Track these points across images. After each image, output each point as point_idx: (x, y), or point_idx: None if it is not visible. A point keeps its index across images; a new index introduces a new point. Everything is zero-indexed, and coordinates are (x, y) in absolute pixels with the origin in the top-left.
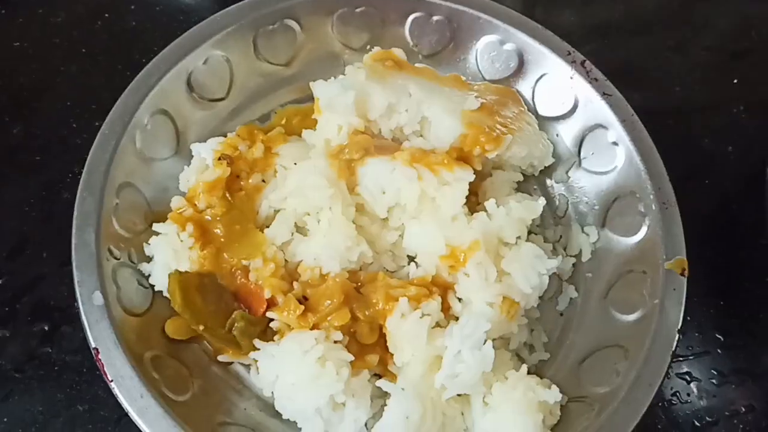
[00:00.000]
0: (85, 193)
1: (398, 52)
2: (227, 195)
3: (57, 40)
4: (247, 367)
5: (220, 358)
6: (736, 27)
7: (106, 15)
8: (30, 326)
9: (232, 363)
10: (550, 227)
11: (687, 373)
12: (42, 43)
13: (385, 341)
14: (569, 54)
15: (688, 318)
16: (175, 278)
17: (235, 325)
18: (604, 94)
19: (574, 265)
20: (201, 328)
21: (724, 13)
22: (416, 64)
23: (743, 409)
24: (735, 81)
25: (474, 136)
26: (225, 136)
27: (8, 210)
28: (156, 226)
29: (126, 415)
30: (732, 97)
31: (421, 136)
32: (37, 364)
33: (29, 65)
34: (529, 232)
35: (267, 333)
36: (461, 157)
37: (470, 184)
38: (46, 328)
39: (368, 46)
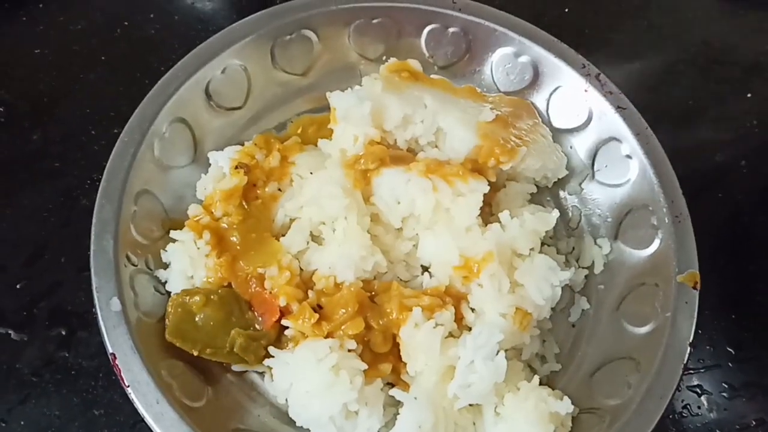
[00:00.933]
0: (104, 200)
1: (414, 64)
2: (244, 203)
3: (76, 48)
4: (262, 374)
5: (234, 367)
6: (750, 41)
7: (125, 23)
8: (47, 331)
9: (246, 371)
10: (563, 239)
11: (698, 385)
12: (61, 51)
13: (399, 350)
14: (584, 67)
15: (700, 331)
16: (175, 305)
17: (236, 343)
18: (619, 108)
19: (586, 276)
20: (195, 353)
21: (737, 27)
22: (432, 76)
23: (754, 423)
24: (748, 95)
25: (489, 147)
26: (242, 144)
27: (27, 216)
28: (173, 234)
29: (142, 420)
30: (745, 111)
31: (436, 147)
32: (54, 369)
33: (49, 72)
34: (542, 244)
35: (281, 341)
36: (476, 168)
37: (484, 195)
38: (64, 333)
39: (384, 57)
